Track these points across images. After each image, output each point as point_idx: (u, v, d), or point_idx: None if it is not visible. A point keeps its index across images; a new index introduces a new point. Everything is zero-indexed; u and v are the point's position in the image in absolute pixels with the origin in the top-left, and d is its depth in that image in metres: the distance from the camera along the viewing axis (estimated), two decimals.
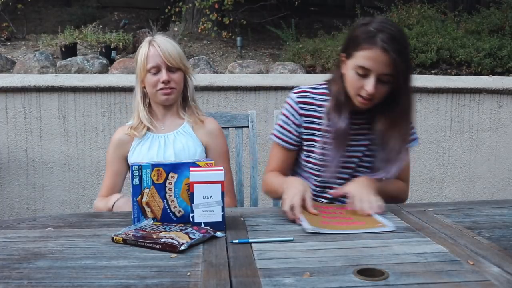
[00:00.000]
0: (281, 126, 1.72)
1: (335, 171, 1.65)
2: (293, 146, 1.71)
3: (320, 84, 1.72)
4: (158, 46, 1.79)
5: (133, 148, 1.84)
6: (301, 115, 1.68)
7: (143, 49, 1.82)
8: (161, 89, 1.79)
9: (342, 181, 1.66)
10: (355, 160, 1.68)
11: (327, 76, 1.72)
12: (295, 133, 1.70)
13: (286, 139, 1.71)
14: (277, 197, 1.69)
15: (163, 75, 1.78)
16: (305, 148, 1.71)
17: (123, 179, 1.89)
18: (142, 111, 1.85)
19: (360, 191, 1.51)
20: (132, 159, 1.82)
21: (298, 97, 1.69)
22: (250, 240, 1.24)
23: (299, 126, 1.69)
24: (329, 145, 1.63)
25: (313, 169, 1.70)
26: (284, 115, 1.71)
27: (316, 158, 1.68)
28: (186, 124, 1.86)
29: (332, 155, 1.63)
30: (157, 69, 1.79)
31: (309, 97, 1.68)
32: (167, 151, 1.80)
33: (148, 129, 1.84)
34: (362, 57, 1.49)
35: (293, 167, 1.79)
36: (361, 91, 1.53)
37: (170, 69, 1.79)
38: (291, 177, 1.69)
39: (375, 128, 1.63)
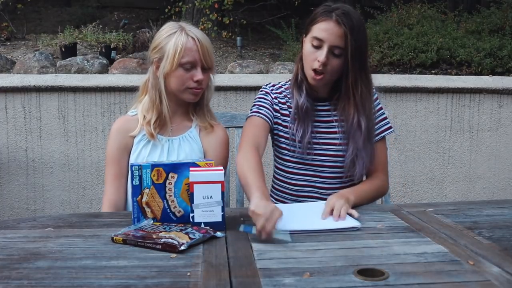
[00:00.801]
0: (258, 106, 1.75)
1: (307, 147, 1.70)
2: (270, 122, 1.74)
3: (288, 81, 1.81)
4: (198, 40, 1.62)
5: (134, 144, 1.69)
6: (274, 98, 1.77)
7: (178, 39, 1.61)
8: (191, 87, 1.64)
9: (328, 169, 1.72)
10: (333, 147, 1.71)
11: None
12: (272, 111, 1.75)
13: (265, 113, 1.73)
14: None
15: (199, 74, 1.63)
16: (277, 133, 1.76)
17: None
18: (166, 107, 1.67)
19: (332, 202, 1.47)
20: (130, 158, 1.69)
21: (270, 87, 1.81)
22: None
23: (272, 105, 1.76)
24: (296, 122, 1.70)
25: (288, 154, 1.74)
26: (259, 98, 1.78)
27: (288, 144, 1.73)
28: (194, 130, 1.73)
29: (300, 131, 1.69)
30: (192, 65, 1.63)
31: (278, 89, 1.80)
32: (169, 159, 1.66)
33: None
34: (317, 28, 1.59)
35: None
36: (314, 63, 1.60)
37: (204, 68, 1.65)
38: (261, 194, 1.39)
39: (340, 114, 1.69)
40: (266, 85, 1.82)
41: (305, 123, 1.69)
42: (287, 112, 1.75)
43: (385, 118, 1.78)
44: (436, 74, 4.12)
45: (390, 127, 1.78)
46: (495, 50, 4.16)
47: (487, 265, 1.08)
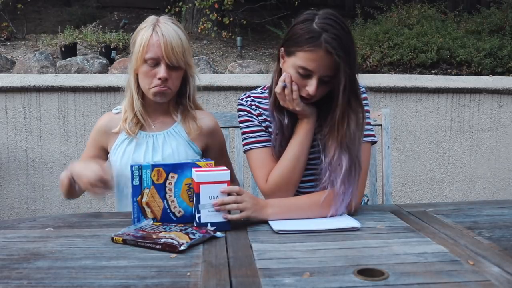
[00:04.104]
0: (250, 132, 1.60)
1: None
2: (270, 142, 1.59)
3: (263, 88, 1.67)
4: (162, 35, 1.56)
5: (117, 144, 1.67)
6: (258, 115, 1.61)
7: (144, 33, 1.58)
8: (156, 86, 1.59)
9: (310, 184, 1.59)
10: (314, 162, 1.57)
11: None
12: (264, 130, 1.60)
13: (262, 139, 1.59)
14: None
15: (161, 71, 1.56)
16: None
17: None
18: (137, 103, 1.64)
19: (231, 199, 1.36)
20: (116, 157, 1.67)
21: (246, 101, 1.64)
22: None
23: (261, 124, 1.61)
24: (277, 143, 1.56)
25: None
26: (245, 120, 1.63)
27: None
28: (178, 124, 1.70)
29: (282, 149, 1.55)
30: (156, 62, 1.57)
31: (254, 101, 1.63)
32: (155, 156, 1.64)
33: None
34: (305, 58, 1.41)
35: None
36: (302, 91, 1.46)
37: (169, 66, 1.58)
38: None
39: (319, 132, 1.53)
40: (241, 99, 1.65)
41: (287, 140, 1.55)
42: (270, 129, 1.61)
43: (368, 123, 1.57)
44: (436, 74, 4.12)
45: (370, 135, 1.58)
46: (495, 50, 4.16)
47: (487, 265, 1.08)
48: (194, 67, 1.71)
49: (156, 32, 1.57)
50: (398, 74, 4.07)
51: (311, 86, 1.44)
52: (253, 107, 1.62)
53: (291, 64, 1.46)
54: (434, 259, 1.12)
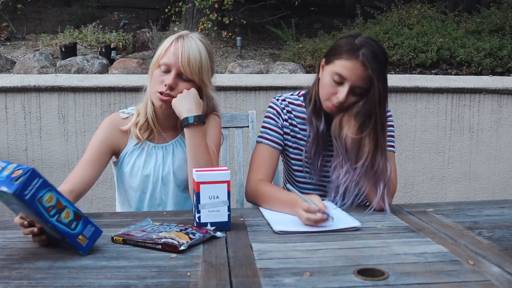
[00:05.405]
0: (268, 128, 1.72)
1: (319, 175, 1.68)
2: (281, 146, 1.72)
3: (299, 95, 1.76)
4: (181, 45, 1.56)
5: (127, 153, 1.65)
6: (284, 120, 1.72)
7: (167, 41, 1.61)
8: (160, 91, 1.56)
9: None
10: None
11: None
12: (281, 134, 1.72)
13: (275, 140, 1.71)
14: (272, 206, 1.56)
15: (170, 78, 1.55)
16: (292, 156, 1.73)
17: (101, 171, 1.62)
18: (151, 108, 1.63)
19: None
20: (126, 169, 1.65)
21: (281, 103, 1.73)
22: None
23: (282, 128, 1.72)
24: (310, 148, 1.66)
25: (300, 176, 1.73)
26: (270, 117, 1.73)
27: (301, 165, 1.71)
28: None
29: (317, 156, 1.66)
30: (168, 69, 1.57)
31: (289, 106, 1.73)
32: (164, 169, 1.64)
33: (148, 135, 1.65)
34: (341, 65, 1.53)
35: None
36: (333, 98, 1.56)
37: (180, 76, 1.57)
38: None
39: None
40: (277, 99, 1.75)
41: (322, 148, 1.66)
42: (300, 136, 1.71)
43: (391, 136, 1.73)
44: (436, 74, 4.12)
45: (393, 146, 1.75)
46: (495, 50, 4.16)
47: (487, 265, 1.08)
48: (211, 87, 1.68)
49: (177, 41, 1.58)
50: (398, 74, 4.07)
51: (341, 93, 1.54)
52: (285, 111, 1.72)
53: (328, 71, 1.57)
54: (434, 259, 1.12)
